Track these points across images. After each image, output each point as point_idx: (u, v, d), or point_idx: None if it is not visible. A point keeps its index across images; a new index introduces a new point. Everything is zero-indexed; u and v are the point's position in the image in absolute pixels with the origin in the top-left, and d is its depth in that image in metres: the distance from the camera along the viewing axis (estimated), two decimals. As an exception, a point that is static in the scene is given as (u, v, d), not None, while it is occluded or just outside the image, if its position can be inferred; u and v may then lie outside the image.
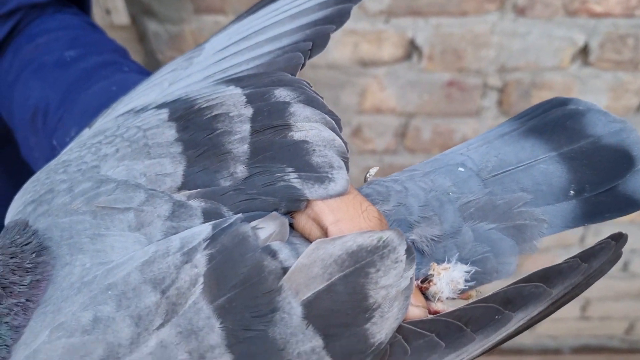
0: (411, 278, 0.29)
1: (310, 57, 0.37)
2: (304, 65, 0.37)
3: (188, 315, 0.27)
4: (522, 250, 0.33)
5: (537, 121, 0.35)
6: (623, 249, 0.32)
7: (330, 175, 0.30)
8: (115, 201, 0.30)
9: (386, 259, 0.28)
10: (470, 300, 0.32)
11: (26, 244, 0.30)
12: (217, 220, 0.29)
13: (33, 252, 0.30)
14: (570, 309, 1.65)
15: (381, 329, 0.28)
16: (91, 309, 0.27)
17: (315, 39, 0.38)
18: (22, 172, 0.67)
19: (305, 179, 0.30)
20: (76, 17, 0.58)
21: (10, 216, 0.35)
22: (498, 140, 0.35)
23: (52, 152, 0.49)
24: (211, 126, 0.32)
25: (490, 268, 0.33)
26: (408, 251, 0.29)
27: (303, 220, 0.30)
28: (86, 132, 0.39)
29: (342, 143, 0.32)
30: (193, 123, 0.33)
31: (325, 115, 0.33)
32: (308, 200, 0.30)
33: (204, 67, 0.39)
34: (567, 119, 0.34)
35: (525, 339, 1.80)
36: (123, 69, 0.52)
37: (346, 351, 0.28)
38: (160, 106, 0.35)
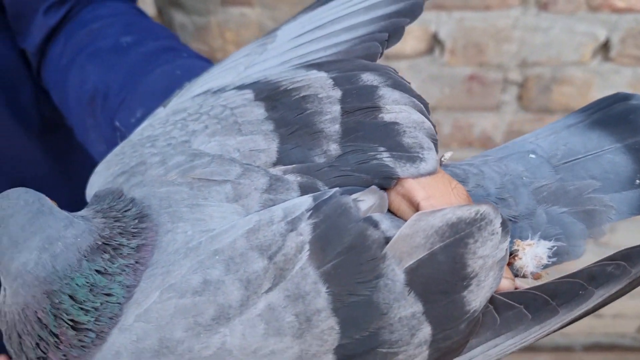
0: (506, 249, 0.30)
1: (387, 47, 0.39)
2: (382, 54, 0.38)
3: (295, 280, 0.28)
4: (592, 234, 0.35)
5: (601, 114, 0.37)
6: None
7: (421, 155, 0.32)
8: (212, 173, 0.32)
9: (483, 230, 0.29)
10: (541, 281, 0.34)
11: (126, 210, 0.32)
12: (316, 193, 0.30)
13: (135, 219, 0.31)
14: (583, 307, 1.66)
15: (477, 297, 0.30)
16: (200, 272, 0.28)
17: (390, 31, 0.39)
18: (67, 158, 0.68)
19: (397, 158, 0.31)
20: (125, 4, 0.60)
21: (97, 186, 0.36)
22: (565, 131, 0.37)
23: (113, 133, 0.50)
24: (301, 106, 0.33)
25: (562, 250, 0.34)
26: (503, 224, 0.30)
27: (392, 197, 0.31)
28: (162, 111, 0.40)
29: (431, 125, 0.33)
30: (281, 103, 0.34)
31: (414, 99, 0.34)
32: (398, 178, 0.31)
33: (280, 53, 0.40)
34: (629, 113, 0.36)
35: (537, 336, 1.81)
36: (182, 55, 0.54)
37: (443, 317, 0.29)
38: (240, 87, 0.37)
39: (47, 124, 0.64)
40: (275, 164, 0.32)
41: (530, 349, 1.78)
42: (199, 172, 0.32)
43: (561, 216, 0.35)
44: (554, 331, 0.33)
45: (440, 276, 0.29)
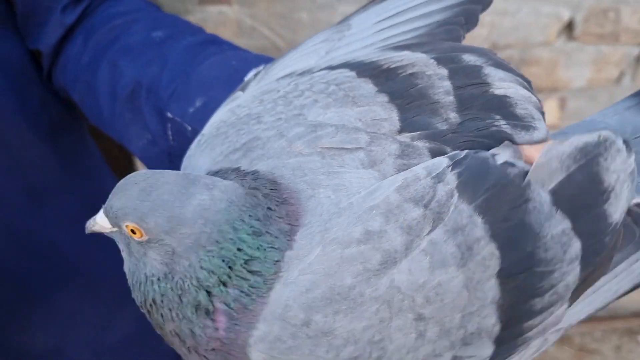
0: (632, 165, 0.33)
1: (465, 33, 0.41)
2: (464, 37, 0.40)
3: (452, 217, 0.30)
4: None
5: None
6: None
7: (533, 125, 0.34)
8: (342, 142, 0.33)
9: (610, 149, 0.32)
10: None
11: (256, 179, 0.32)
12: (450, 154, 0.32)
13: (272, 188, 0.32)
14: None
15: (616, 209, 0.32)
16: (360, 225, 0.30)
17: (465, 17, 0.41)
18: (79, 162, 0.67)
19: (513, 127, 0.33)
20: (141, 1, 0.59)
21: (204, 169, 0.37)
22: (627, 112, 0.40)
23: (162, 124, 0.51)
24: (411, 81, 0.35)
25: None
26: (625, 143, 0.33)
27: None
28: (244, 95, 0.40)
29: (537, 100, 0.35)
30: (389, 79, 0.35)
31: (518, 77, 0.36)
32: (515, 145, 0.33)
33: (362, 38, 0.41)
34: None
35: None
36: (226, 47, 0.54)
37: (590, 231, 0.32)
38: (331, 68, 0.38)
39: (56, 127, 0.63)
40: (399, 132, 0.33)
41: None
42: (326, 142, 0.33)
43: None
44: None
45: (581, 192, 0.31)
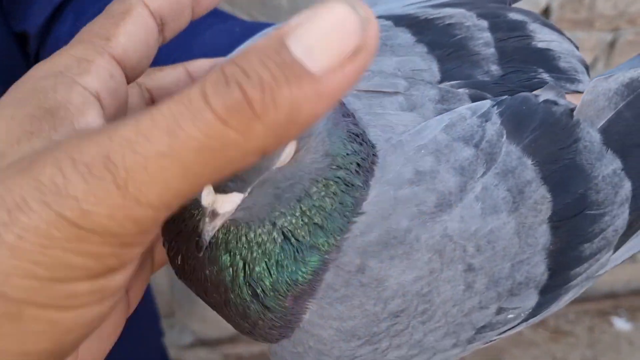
0: None
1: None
2: (511, 3, 0.38)
3: (502, 159, 0.28)
4: None
5: None
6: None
7: (578, 78, 0.33)
8: (380, 86, 0.31)
9: None
10: None
11: None
12: (494, 98, 0.30)
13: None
14: None
15: None
16: (410, 165, 0.28)
17: None
18: None
19: (557, 79, 0.32)
20: None
21: None
22: None
23: None
24: (449, 32, 0.33)
25: None
26: None
27: None
28: None
29: (581, 55, 0.34)
30: (427, 29, 0.33)
31: (562, 35, 0.35)
32: None
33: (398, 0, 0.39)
34: None
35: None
36: (224, 16, 0.53)
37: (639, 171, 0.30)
38: None
39: None
40: (440, 83, 0.32)
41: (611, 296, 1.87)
42: (364, 85, 0.31)
43: None
44: None
45: (631, 130, 0.30)
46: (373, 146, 0.29)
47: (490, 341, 0.33)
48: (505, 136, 0.29)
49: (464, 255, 0.28)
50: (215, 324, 1.78)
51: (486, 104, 0.30)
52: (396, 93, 0.31)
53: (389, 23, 0.34)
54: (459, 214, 0.28)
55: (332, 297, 0.28)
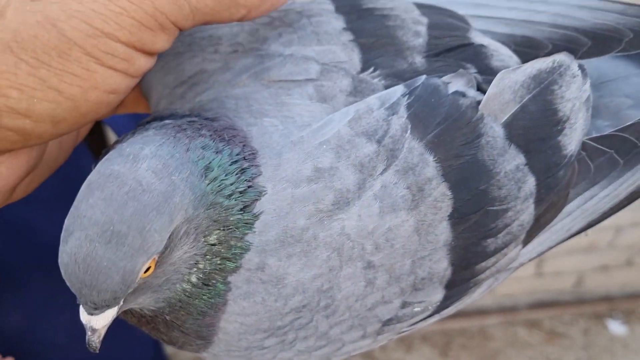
0: (588, 91, 0.31)
1: None
2: None
3: (403, 156, 0.28)
4: None
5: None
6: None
7: None
8: (291, 74, 0.30)
9: (565, 75, 0.30)
10: None
11: (195, 116, 0.30)
12: (407, 82, 0.30)
13: (207, 119, 0.30)
14: (527, 267, 1.77)
15: (571, 140, 0.31)
16: (310, 161, 0.28)
17: None
18: None
19: (486, 81, 0.31)
20: None
21: (155, 93, 0.34)
22: (594, 61, 0.38)
23: None
24: (382, 22, 0.33)
25: None
26: (581, 67, 0.31)
27: None
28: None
29: (518, 58, 0.33)
30: (362, 18, 0.33)
31: (501, 42, 0.34)
32: None
33: None
34: None
35: (485, 301, 1.90)
36: None
37: (544, 165, 0.30)
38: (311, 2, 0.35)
39: None
40: (360, 73, 0.31)
41: (480, 312, 1.88)
42: (274, 74, 0.31)
43: (606, 129, 0.35)
44: None
45: (535, 125, 0.30)
46: (243, 136, 0.29)
47: (404, 331, 0.33)
48: (409, 131, 0.28)
49: (362, 253, 0.28)
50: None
51: (397, 92, 0.29)
52: (307, 81, 0.30)
53: (330, 7, 0.33)
54: (357, 213, 0.28)
55: (235, 294, 0.28)
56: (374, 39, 0.32)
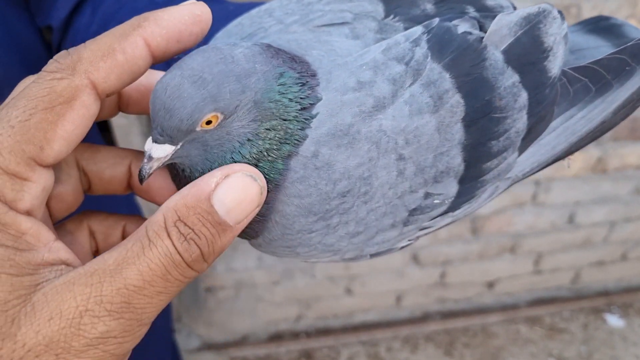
0: (565, 29, 0.39)
1: None
2: None
3: (426, 73, 0.36)
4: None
5: (592, 26, 0.48)
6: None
7: (501, 12, 0.40)
8: (330, 20, 0.39)
9: (548, 17, 0.38)
10: None
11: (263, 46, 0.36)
12: (425, 23, 0.38)
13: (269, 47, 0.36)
14: (525, 265, 1.82)
15: (554, 65, 0.38)
16: (353, 77, 0.35)
17: None
18: None
19: (484, 17, 0.39)
20: None
21: None
22: (570, 34, 0.46)
23: None
24: None
25: None
26: (559, 12, 0.39)
27: None
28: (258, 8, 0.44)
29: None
30: None
31: None
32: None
33: None
34: (612, 27, 0.47)
35: (486, 299, 1.94)
36: (227, 5, 0.58)
37: (534, 83, 0.38)
38: None
39: None
40: (383, 19, 0.39)
41: (481, 311, 1.92)
42: (317, 22, 0.38)
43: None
44: (614, 110, 0.41)
45: (526, 52, 0.38)
46: (307, 63, 0.35)
47: (424, 228, 0.40)
48: (429, 57, 0.36)
49: (395, 147, 0.35)
50: (221, 328, 1.82)
51: (417, 31, 0.37)
52: (343, 24, 0.38)
53: None
54: (391, 114, 0.35)
55: (293, 178, 0.34)
56: None
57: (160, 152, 0.32)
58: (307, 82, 0.35)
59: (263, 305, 1.75)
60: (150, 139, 0.32)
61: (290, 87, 0.34)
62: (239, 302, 1.73)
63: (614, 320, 1.92)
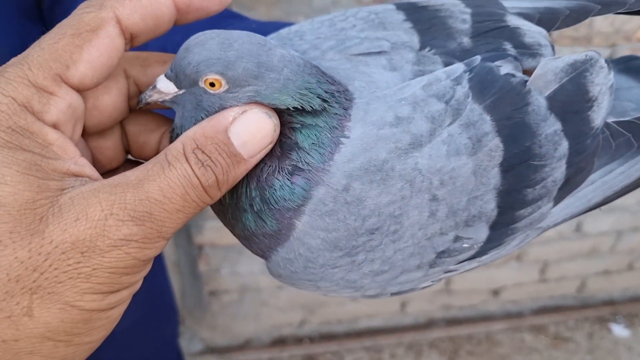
0: (612, 80, 0.38)
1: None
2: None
3: (466, 114, 0.35)
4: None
5: (623, 66, 0.46)
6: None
7: (540, 52, 0.39)
8: (367, 49, 0.38)
9: (595, 65, 0.37)
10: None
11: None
12: (466, 60, 0.37)
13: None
14: (531, 273, 1.81)
15: (598, 116, 0.37)
16: (392, 111, 0.34)
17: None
18: None
19: (521, 54, 0.38)
20: None
21: None
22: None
23: None
24: (434, 13, 0.40)
25: None
26: (606, 62, 0.38)
27: None
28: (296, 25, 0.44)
29: (548, 34, 0.40)
30: (418, 12, 0.40)
31: (538, 27, 0.41)
32: (523, 70, 0.38)
33: None
34: None
35: (490, 307, 1.94)
36: (249, 21, 0.58)
37: (576, 132, 0.37)
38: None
39: None
40: (419, 50, 0.38)
41: (485, 319, 1.91)
42: (355, 50, 0.38)
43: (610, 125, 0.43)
44: None
45: (571, 100, 0.37)
46: (346, 87, 0.35)
47: (449, 271, 0.39)
48: (471, 97, 0.35)
49: (430, 187, 0.34)
50: (225, 332, 1.81)
51: (459, 68, 0.36)
52: (380, 53, 0.38)
53: (392, 7, 0.41)
54: (428, 153, 0.34)
55: (322, 211, 0.34)
56: (429, 26, 0.39)
57: (165, 86, 0.34)
58: (333, 92, 0.34)
59: (267, 309, 1.74)
60: (163, 75, 0.34)
61: (315, 88, 0.34)
62: (243, 306, 1.72)
63: (619, 330, 1.91)
